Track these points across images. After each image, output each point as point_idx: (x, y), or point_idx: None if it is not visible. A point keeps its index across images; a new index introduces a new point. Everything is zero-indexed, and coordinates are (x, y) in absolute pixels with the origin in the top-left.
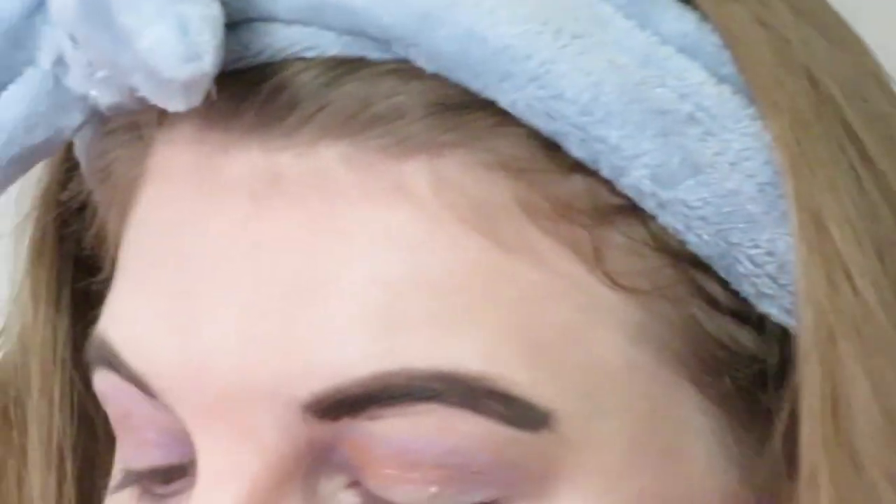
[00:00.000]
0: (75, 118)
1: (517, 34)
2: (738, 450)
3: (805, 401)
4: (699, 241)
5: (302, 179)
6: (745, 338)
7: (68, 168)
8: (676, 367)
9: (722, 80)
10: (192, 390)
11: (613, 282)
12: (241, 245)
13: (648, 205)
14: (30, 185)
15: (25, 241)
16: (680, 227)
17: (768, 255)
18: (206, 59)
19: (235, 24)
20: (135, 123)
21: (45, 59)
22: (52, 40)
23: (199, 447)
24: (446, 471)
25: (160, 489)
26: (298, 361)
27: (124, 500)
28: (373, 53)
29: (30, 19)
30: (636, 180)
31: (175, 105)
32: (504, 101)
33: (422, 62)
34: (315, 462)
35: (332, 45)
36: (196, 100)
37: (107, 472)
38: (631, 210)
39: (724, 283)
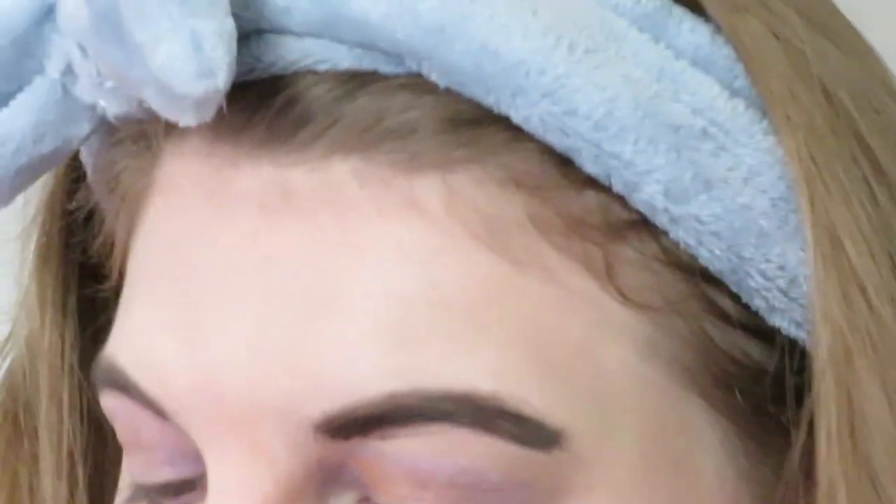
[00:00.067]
0: (83, 127)
1: (531, 49)
2: (748, 464)
3: (822, 417)
4: (711, 256)
5: (314, 194)
6: (755, 351)
7: (75, 179)
8: (686, 381)
9: (735, 93)
10: (202, 402)
11: (625, 297)
12: (250, 258)
13: (661, 220)
14: (35, 189)
15: (31, 246)
16: (692, 242)
17: (779, 269)
18: (220, 76)
19: (247, 36)
20: (143, 133)
21: (53, 68)
22: (60, 49)
23: (209, 461)
24: (457, 490)
25: (169, 502)
26: (309, 377)
27: None
28: (385, 67)
29: (39, 27)
30: (649, 196)
31: (186, 120)
32: (517, 117)
33: (435, 77)
34: (326, 479)
35: (344, 59)
36: (208, 115)
37: (116, 478)
38: (643, 225)
39: (735, 297)
